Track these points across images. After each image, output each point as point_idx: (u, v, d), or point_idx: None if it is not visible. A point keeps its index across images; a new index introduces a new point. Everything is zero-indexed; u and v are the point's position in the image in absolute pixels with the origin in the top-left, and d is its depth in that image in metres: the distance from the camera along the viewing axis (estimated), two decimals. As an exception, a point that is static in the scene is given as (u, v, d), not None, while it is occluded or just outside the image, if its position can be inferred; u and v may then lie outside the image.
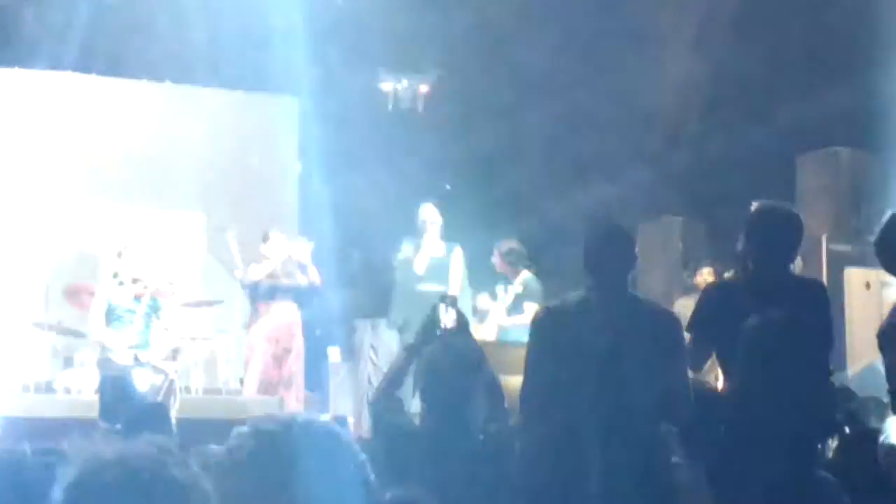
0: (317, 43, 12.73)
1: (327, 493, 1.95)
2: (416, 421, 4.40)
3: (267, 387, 8.97)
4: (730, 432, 4.25)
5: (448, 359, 4.12)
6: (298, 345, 9.28)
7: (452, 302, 4.65)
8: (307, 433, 1.98)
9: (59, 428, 7.34)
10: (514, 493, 4.07)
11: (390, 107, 14.78)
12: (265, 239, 9.31)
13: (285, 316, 9.17)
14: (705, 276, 10.02)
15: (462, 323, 4.55)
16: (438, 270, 8.61)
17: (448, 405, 4.09)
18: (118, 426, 6.81)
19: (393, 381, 4.40)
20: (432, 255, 8.61)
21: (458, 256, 8.69)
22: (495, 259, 9.31)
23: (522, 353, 4.74)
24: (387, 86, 14.36)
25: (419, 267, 8.54)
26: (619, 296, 4.33)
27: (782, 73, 13.17)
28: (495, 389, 4.27)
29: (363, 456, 2.00)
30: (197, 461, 1.94)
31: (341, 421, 5.25)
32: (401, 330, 8.66)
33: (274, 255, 9.15)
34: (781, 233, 4.57)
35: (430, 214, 8.67)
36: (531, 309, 8.98)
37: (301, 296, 9.39)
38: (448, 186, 13.85)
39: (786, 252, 4.58)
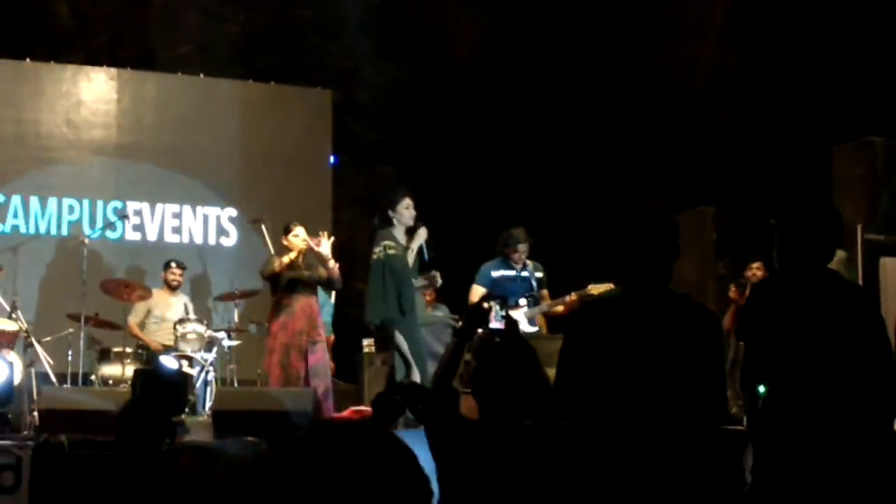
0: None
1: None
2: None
3: (292, 379, 8.95)
4: (778, 443, 4.14)
5: (499, 357, 4.13)
6: (322, 335, 9.27)
7: (502, 303, 4.64)
8: (371, 442, 1.81)
9: (97, 420, 7.36)
10: (563, 490, 4.04)
11: None
12: (286, 231, 9.33)
13: (308, 308, 9.16)
14: (755, 270, 9.80)
15: (510, 324, 4.50)
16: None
17: (500, 403, 4.10)
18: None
19: (448, 368, 4.36)
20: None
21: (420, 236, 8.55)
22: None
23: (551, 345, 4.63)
24: None
25: (410, 261, 8.44)
26: (659, 292, 4.12)
27: (817, 62, 13.09)
28: (545, 387, 4.21)
29: (425, 471, 1.84)
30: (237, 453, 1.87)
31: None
32: (384, 328, 8.48)
33: (295, 247, 9.16)
34: (816, 231, 4.24)
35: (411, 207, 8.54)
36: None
37: (321, 288, 9.41)
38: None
39: (822, 251, 4.27)
